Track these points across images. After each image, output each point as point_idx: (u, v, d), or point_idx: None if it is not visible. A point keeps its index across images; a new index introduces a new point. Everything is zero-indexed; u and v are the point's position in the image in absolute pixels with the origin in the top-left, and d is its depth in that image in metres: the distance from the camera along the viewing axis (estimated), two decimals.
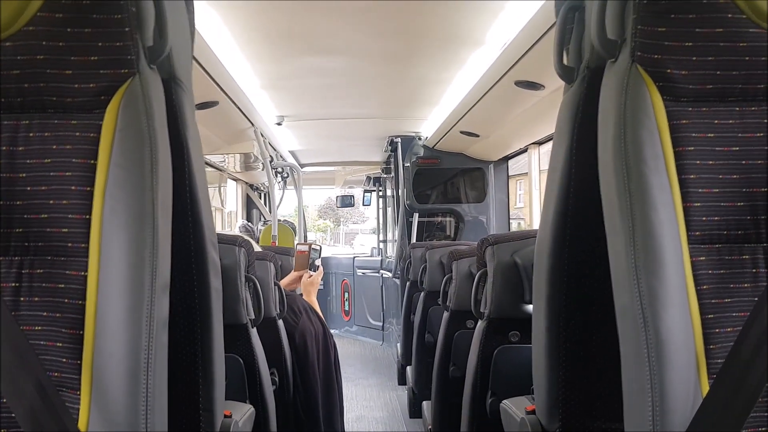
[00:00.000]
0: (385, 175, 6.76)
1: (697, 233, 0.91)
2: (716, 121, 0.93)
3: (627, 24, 0.94)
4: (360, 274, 7.51)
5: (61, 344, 0.90)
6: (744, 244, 0.92)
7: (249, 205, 6.66)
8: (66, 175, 0.93)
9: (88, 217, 0.91)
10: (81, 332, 0.89)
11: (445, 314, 2.65)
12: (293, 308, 2.41)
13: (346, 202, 8.37)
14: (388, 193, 7.04)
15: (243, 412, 1.45)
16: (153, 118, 0.94)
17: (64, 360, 0.89)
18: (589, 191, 1.05)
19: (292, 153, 6.05)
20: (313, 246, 2.91)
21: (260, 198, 6.72)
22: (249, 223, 5.71)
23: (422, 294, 3.50)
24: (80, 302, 0.90)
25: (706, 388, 0.87)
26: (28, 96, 0.94)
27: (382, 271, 6.93)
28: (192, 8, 1.16)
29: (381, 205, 7.68)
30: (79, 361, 0.89)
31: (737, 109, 0.94)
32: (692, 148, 0.92)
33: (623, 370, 0.90)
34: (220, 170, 5.38)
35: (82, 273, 0.90)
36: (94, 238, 0.90)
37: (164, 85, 1.03)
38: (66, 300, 0.90)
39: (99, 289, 0.89)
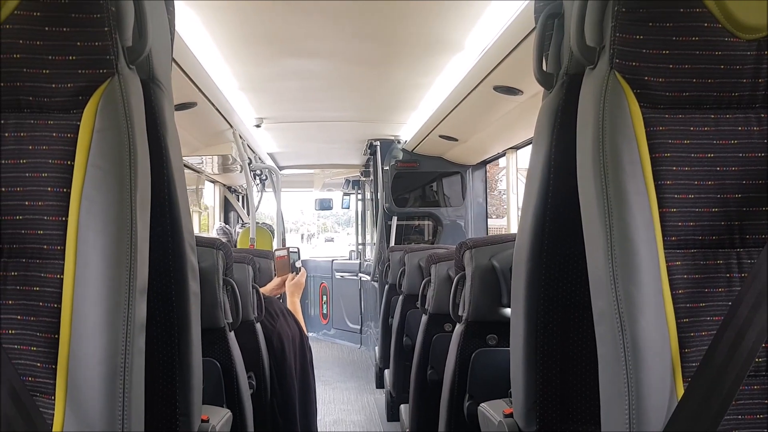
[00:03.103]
0: (364, 179, 6.76)
1: (673, 238, 0.93)
2: (692, 128, 0.95)
3: (606, 31, 0.95)
4: (338, 277, 7.50)
5: (35, 348, 0.88)
6: (718, 250, 0.94)
7: (227, 207, 6.62)
8: (42, 176, 0.91)
9: (64, 218, 0.90)
10: (56, 336, 0.88)
11: (424, 317, 2.65)
12: (269, 311, 2.40)
13: (325, 205, 8.35)
14: (367, 196, 7.04)
15: (220, 417, 1.44)
16: (132, 119, 0.93)
17: (39, 364, 0.88)
18: (567, 196, 1.06)
19: (271, 155, 6.02)
20: (291, 249, 2.92)
21: (238, 200, 6.68)
22: (227, 226, 5.67)
23: (401, 297, 3.51)
24: (56, 305, 0.88)
25: (681, 391, 0.88)
26: (4, 95, 0.93)
27: (360, 275, 6.92)
28: (172, 8, 1.15)
29: (360, 209, 7.67)
30: (53, 366, 0.87)
31: (712, 116, 0.95)
32: (668, 155, 0.94)
33: (600, 373, 0.91)
34: (198, 172, 5.34)
35: (58, 276, 0.89)
36: (71, 241, 0.89)
37: (143, 86, 1.02)
38: (41, 303, 0.89)
39: (75, 293, 0.87)
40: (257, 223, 4.50)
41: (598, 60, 0.98)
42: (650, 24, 0.92)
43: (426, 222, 5.63)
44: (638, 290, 0.87)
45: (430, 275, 2.60)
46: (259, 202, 5.73)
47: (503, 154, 4.57)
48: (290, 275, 2.87)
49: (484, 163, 5.19)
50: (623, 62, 0.94)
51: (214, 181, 6.17)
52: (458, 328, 2.03)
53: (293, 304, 2.78)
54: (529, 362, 1.18)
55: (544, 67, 1.18)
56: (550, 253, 1.15)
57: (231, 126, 3.85)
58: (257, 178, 5.55)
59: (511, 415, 1.30)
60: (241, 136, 4.12)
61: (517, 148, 4.39)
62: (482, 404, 1.52)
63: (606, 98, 0.94)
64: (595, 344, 0.93)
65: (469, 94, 3.13)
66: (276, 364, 2.33)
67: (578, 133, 0.99)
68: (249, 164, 4.44)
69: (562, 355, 1.16)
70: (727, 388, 0.80)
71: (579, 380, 1.17)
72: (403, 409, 3.25)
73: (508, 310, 1.91)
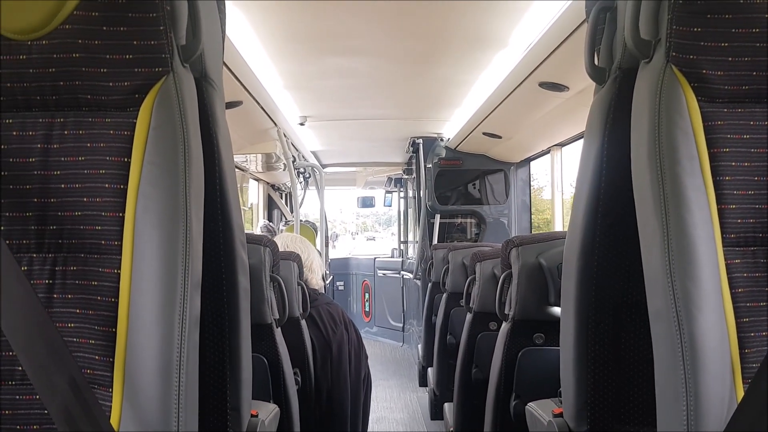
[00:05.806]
0: (406, 176, 6.76)
1: (732, 235, 0.90)
2: (752, 123, 0.92)
3: (662, 24, 0.93)
4: (381, 275, 7.52)
5: (93, 341, 0.90)
6: None
7: (270, 205, 6.69)
8: (100, 173, 0.93)
9: (121, 214, 0.92)
10: (114, 330, 0.90)
11: (468, 316, 2.64)
12: (335, 317, 2.40)
13: (367, 202, 8.39)
14: (410, 194, 7.04)
15: (268, 412, 1.45)
16: (187, 116, 0.95)
17: (97, 357, 0.90)
18: (620, 192, 1.04)
19: (314, 153, 6.06)
20: None
21: (281, 198, 6.75)
22: (270, 223, 5.74)
23: (444, 295, 3.49)
24: (113, 300, 0.90)
25: (741, 392, 0.85)
26: (63, 94, 0.95)
27: (402, 272, 6.93)
28: (223, 8, 1.17)
29: (402, 207, 7.68)
30: (111, 359, 0.89)
31: None
32: (727, 150, 0.91)
33: (657, 373, 0.89)
34: (242, 170, 5.41)
35: (116, 270, 0.91)
36: (128, 236, 0.91)
37: (196, 84, 1.03)
38: (99, 297, 0.91)
39: (132, 287, 0.89)
40: (300, 220, 4.53)
41: (653, 53, 0.96)
42: (708, 16, 0.90)
43: (468, 220, 5.60)
44: (697, 288, 0.85)
45: (474, 273, 2.59)
46: (302, 200, 5.77)
47: (548, 152, 4.52)
48: None
49: (528, 160, 5.13)
50: (680, 55, 0.92)
51: (258, 179, 6.24)
52: (504, 326, 2.01)
53: None
54: (580, 361, 1.17)
55: (596, 62, 1.16)
56: (601, 251, 1.13)
57: (275, 124, 3.88)
58: (301, 176, 5.60)
59: (560, 415, 1.29)
60: (285, 135, 4.16)
61: (562, 145, 4.33)
62: (530, 404, 1.50)
63: (662, 92, 0.92)
64: (649, 343, 0.91)
65: (513, 90, 3.10)
66: (332, 371, 2.34)
67: (633, 127, 0.97)
68: (293, 162, 4.47)
69: (614, 354, 1.14)
70: None
71: (632, 380, 1.14)
72: (447, 407, 3.24)
73: (555, 309, 1.89)
